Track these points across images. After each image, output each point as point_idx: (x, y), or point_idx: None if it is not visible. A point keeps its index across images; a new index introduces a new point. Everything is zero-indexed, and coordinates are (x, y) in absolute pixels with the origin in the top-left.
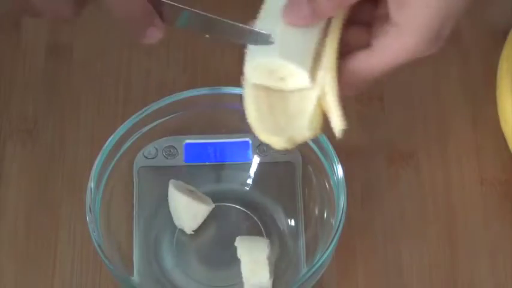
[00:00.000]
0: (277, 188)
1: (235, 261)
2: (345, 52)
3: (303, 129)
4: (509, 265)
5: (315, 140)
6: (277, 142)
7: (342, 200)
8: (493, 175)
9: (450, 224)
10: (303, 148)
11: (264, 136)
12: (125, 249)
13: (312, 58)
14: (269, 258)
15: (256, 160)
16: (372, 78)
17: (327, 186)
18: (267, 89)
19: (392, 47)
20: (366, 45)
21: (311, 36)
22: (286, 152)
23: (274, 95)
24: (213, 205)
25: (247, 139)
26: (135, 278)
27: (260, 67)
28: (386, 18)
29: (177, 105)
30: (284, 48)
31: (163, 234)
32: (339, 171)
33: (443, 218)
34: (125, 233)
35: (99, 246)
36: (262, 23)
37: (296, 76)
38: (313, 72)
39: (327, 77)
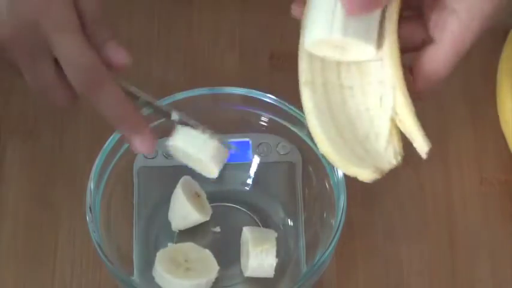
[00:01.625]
0: (277, 188)
1: (235, 261)
2: (402, 50)
3: (386, 156)
4: (509, 265)
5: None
6: (363, 174)
7: (342, 200)
8: (493, 175)
9: (450, 224)
10: (303, 148)
11: (345, 167)
12: (125, 249)
13: (377, 32)
14: (276, 240)
15: (256, 160)
16: (444, 73)
17: (327, 186)
18: (330, 107)
19: (456, 34)
20: (422, 40)
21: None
22: (286, 152)
23: (339, 114)
24: (208, 218)
25: (247, 139)
26: (135, 278)
27: (322, 43)
28: (436, 6)
29: (177, 105)
30: (347, 25)
31: (163, 234)
32: (339, 171)
33: (443, 218)
34: (125, 233)
35: (99, 246)
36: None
37: (361, 50)
38: (378, 44)
39: (398, 96)
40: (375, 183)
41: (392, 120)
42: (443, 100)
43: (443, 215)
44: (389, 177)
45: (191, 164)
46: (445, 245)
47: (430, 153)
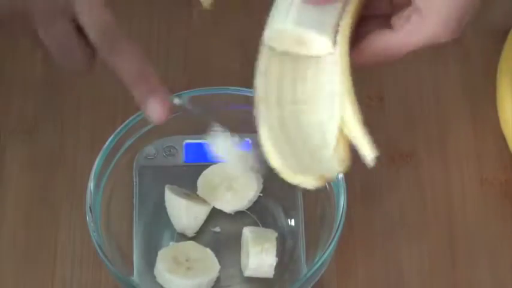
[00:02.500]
0: (277, 188)
1: (235, 261)
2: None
3: (331, 164)
4: (509, 265)
5: None
6: (307, 181)
7: (342, 200)
8: (493, 175)
9: (450, 224)
10: None
11: (293, 177)
12: (125, 249)
13: (332, 26)
14: (276, 239)
15: (256, 160)
16: (389, 56)
17: (327, 186)
18: (282, 122)
19: (414, 32)
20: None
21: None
22: None
23: (291, 129)
24: (211, 205)
25: (247, 139)
26: (135, 278)
27: (280, 34)
28: (406, 4)
29: (177, 105)
30: (302, 16)
31: (164, 234)
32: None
33: (443, 218)
34: (125, 233)
35: (99, 246)
36: None
37: (317, 42)
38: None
39: (346, 104)
40: (375, 183)
41: (340, 130)
42: (444, 100)
43: (443, 215)
44: (390, 177)
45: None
46: (445, 245)
47: (430, 153)
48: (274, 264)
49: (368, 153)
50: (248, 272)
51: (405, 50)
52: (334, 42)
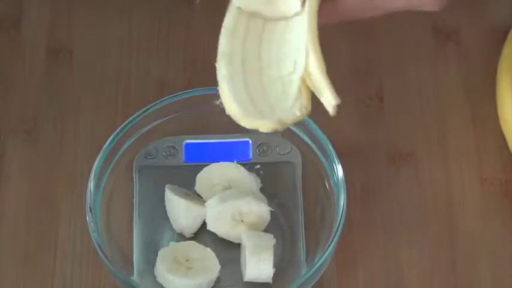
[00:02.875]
0: (277, 188)
1: (234, 262)
2: None
3: (292, 110)
4: (509, 265)
5: (315, 140)
6: (264, 125)
7: (342, 200)
8: (493, 175)
9: (450, 224)
10: (303, 148)
11: (248, 121)
12: (125, 249)
13: None
14: (274, 247)
15: (256, 160)
16: (361, 14)
17: (327, 186)
18: (244, 78)
19: None
20: None
21: None
22: (286, 152)
23: (252, 83)
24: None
25: (247, 139)
26: (135, 278)
27: None
28: None
29: (177, 105)
30: None
31: (164, 234)
32: (339, 171)
33: (443, 218)
34: (125, 233)
35: (99, 246)
36: None
37: (286, 1)
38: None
39: (310, 53)
40: (375, 183)
41: (303, 80)
42: (444, 100)
43: (443, 215)
44: (390, 177)
45: None
46: (445, 245)
47: (430, 153)
48: (272, 273)
49: (330, 101)
50: (247, 279)
51: (382, 12)
52: (303, 1)
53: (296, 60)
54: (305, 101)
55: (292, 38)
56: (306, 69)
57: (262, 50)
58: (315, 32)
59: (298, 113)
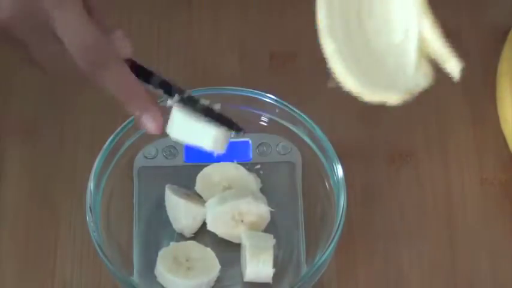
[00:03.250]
0: (277, 187)
1: (234, 262)
2: None
3: (415, 79)
4: (509, 265)
5: (315, 140)
6: (392, 97)
7: (342, 200)
8: (493, 175)
9: (450, 224)
10: (303, 148)
11: (372, 94)
12: (125, 249)
13: None
14: (274, 248)
15: (256, 160)
16: None
17: (327, 186)
18: (352, 50)
19: None
20: None
21: None
22: (286, 152)
23: (361, 51)
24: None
25: (247, 139)
26: (135, 278)
27: None
28: None
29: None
30: None
31: (164, 234)
32: (339, 171)
33: (443, 218)
34: (125, 233)
35: (99, 246)
36: None
37: None
38: None
39: (424, 20)
40: (375, 183)
41: (419, 48)
42: (444, 100)
43: (443, 215)
44: (390, 177)
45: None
46: (445, 245)
47: (430, 153)
48: (272, 274)
49: (453, 65)
50: (247, 279)
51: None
52: None
53: (406, 27)
54: (426, 69)
55: (392, 7)
56: (420, 35)
57: (363, 22)
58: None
59: (422, 81)
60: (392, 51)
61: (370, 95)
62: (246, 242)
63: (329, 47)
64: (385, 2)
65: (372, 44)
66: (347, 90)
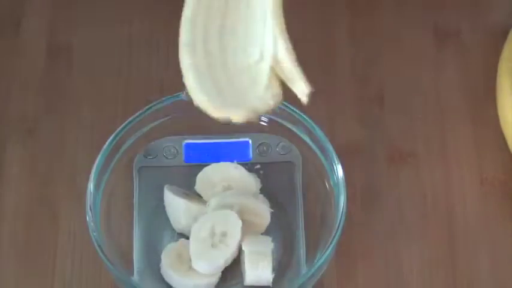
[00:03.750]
0: (277, 188)
1: (234, 262)
2: None
3: (263, 98)
4: (509, 265)
5: (315, 140)
6: (236, 115)
7: (342, 200)
8: (493, 175)
9: (450, 224)
10: (303, 148)
11: (218, 111)
12: (125, 249)
13: None
14: (272, 254)
15: (256, 160)
16: None
17: (327, 186)
18: (209, 67)
19: None
20: None
21: None
22: (286, 152)
23: (218, 72)
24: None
25: (247, 139)
26: (135, 278)
27: None
28: None
29: (177, 105)
30: None
31: (164, 234)
32: (339, 171)
33: (443, 218)
34: (125, 233)
35: (99, 246)
36: None
37: None
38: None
39: (279, 43)
40: (375, 183)
41: (272, 69)
42: (443, 100)
43: (443, 215)
44: (390, 177)
45: None
46: (445, 245)
47: (430, 153)
48: (271, 279)
49: (302, 89)
50: (247, 283)
51: None
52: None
53: (262, 49)
54: (276, 90)
55: (255, 27)
56: (274, 57)
57: (224, 39)
58: (281, 19)
59: (271, 102)
60: (247, 70)
61: (216, 112)
62: (244, 248)
63: (185, 61)
64: (250, 21)
65: (229, 62)
66: (196, 105)
